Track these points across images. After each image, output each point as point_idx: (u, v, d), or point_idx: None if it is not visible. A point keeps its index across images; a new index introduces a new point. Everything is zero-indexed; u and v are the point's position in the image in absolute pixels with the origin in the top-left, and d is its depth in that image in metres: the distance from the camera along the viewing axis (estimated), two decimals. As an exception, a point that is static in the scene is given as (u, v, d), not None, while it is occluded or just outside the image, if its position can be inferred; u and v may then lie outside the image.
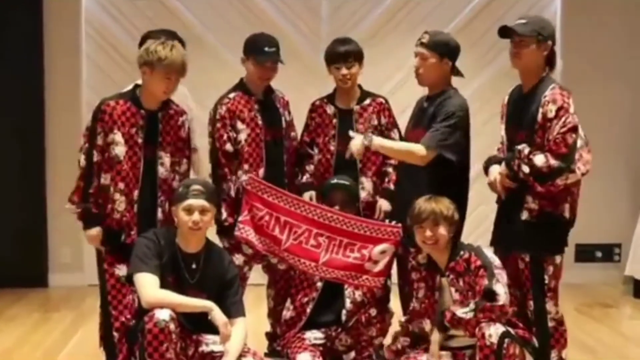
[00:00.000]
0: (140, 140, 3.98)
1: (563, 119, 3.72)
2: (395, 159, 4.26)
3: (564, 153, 3.70)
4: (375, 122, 4.52)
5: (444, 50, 4.09)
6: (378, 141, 4.04)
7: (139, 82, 4.08)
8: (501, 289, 3.67)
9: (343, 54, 4.45)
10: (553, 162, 3.70)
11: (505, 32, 3.87)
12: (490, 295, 3.65)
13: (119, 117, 3.96)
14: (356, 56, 4.48)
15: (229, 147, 4.38)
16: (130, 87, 4.17)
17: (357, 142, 4.03)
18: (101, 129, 3.96)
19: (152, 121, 4.02)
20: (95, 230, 4.00)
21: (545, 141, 3.74)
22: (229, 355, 3.66)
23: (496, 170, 3.91)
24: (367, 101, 4.56)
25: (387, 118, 4.55)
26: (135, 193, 3.99)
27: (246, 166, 4.37)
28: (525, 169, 3.75)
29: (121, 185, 3.97)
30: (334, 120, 4.54)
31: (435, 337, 3.78)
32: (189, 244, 3.81)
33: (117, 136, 3.95)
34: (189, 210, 3.74)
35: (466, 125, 4.10)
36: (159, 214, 4.03)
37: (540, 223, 3.83)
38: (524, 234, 3.86)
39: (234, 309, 3.79)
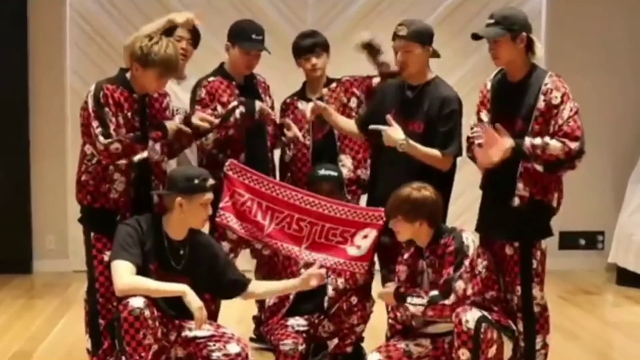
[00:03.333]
0: (137, 124, 3.94)
1: (569, 104, 3.77)
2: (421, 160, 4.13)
3: (579, 135, 3.74)
4: (345, 100, 4.56)
5: (425, 37, 4.09)
6: (413, 144, 4.01)
7: (125, 66, 4.03)
8: (461, 285, 3.71)
9: (311, 46, 4.52)
10: (574, 145, 3.73)
11: (477, 36, 3.88)
12: (447, 289, 3.71)
13: (118, 100, 3.89)
14: (323, 47, 4.54)
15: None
16: (116, 72, 4.13)
17: (394, 137, 4.00)
18: (109, 110, 3.86)
19: (141, 105, 3.99)
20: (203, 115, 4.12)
21: (552, 127, 3.76)
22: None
23: (506, 146, 3.79)
24: (334, 85, 4.61)
25: (360, 91, 4.59)
26: (133, 175, 3.95)
27: (228, 151, 4.36)
28: (537, 152, 3.72)
29: (122, 165, 3.91)
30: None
31: (389, 290, 3.86)
32: (180, 231, 3.79)
33: (120, 118, 3.90)
34: (206, 204, 3.73)
35: (461, 114, 4.15)
36: (155, 197, 3.99)
37: (529, 210, 3.85)
38: (513, 222, 3.87)
39: (241, 279, 3.85)
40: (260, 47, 4.41)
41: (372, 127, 4.09)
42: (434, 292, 3.75)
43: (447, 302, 3.70)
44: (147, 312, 3.54)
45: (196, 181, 3.71)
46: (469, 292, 3.71)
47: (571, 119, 3.74)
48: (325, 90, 4.57)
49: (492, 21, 3.86)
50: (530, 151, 3.75)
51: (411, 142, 4.00)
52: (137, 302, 3.53)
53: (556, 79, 3.83)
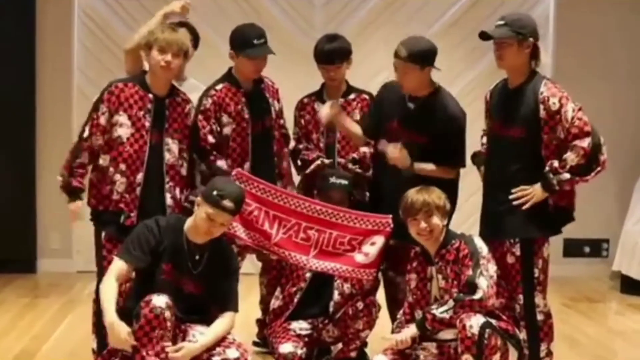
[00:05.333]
0: (147, 124, 3.99)
1: (569, 104, 3.80)
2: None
3: (589, 130, 3.78)
4: (358, 118, 4.52)
5: (424, 59, 4.07)
6: (418, 166, 4.07)
7: (146, 68, 4.10)
8: (484, 282, 3.71)
9: (329, 55, 4.46)
10: (586, 143, 3.75)
11: (485, 35, 3.89)
12: (472, 287, 3.70)
13: (127, 99, 3.97)
14: (342, 56, 4.48)
15: (210, 139, 4.33)
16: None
17: (404, 159, 4.06)
18: (106, 109, 3.96)
19: (159, 107, 4.03)
20: (74, 205, 4.04)
21: (562, 133, 3.79)
22: (200, 341, 3.67)
23: (537, 193, 3.87)
24: (352, 96, 4.58)
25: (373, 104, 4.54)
26: (139, 176, 3.99)
27: (229, 161, 4.36)
28: (566, 176, 3.78)
29: (122, 167, 3.97)
30: None
31: (411, 332, 3.82)
32: (197, 235, 3.78)
33: (122, 117, 3.95)
34: (212, 220, 3.71)
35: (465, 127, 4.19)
36: (168, 200, 4.03)
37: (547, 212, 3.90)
38: (512, 219, 3.90)
39: (230, 302, 3.81)
40: (265, 51, 4.38)
41: (379, 148, 4.19)
42: (455, 296, 3.75)
43: (475, 297, 3.69)
44: (167, 314, 3.57)
45: (215, 193, 3.69)
46: (492, 290, 3.72)
47: (576, 118, 3.78)
48: (341, 100, 4.55)
49: (502, 22, 3.89)
50: (562, 186, 3.81)
51: (416, 165, 4.06)
52: (159, 302, 3.57)
53: (551, 85, 3.86)
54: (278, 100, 4.59)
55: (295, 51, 6.41)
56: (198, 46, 4.63)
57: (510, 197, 3.89)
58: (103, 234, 4.04)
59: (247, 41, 4.35)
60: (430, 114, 4.10)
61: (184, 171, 4.08)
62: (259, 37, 4.37)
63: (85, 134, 4.00)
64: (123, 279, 3.72)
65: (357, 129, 4.37)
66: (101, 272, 4.01)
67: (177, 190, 4.05)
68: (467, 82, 6.51)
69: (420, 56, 4.05)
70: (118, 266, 3.69)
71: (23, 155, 6.74)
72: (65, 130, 6.69)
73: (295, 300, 4.34)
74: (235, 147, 4.38)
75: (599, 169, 3.82)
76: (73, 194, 4.04)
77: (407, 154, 4.06)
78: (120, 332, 3.53)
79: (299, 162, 4.61)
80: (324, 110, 4.31)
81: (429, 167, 4.09)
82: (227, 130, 4.37)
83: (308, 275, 4.32)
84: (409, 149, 4.09)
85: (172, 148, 4.04)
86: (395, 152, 4.07)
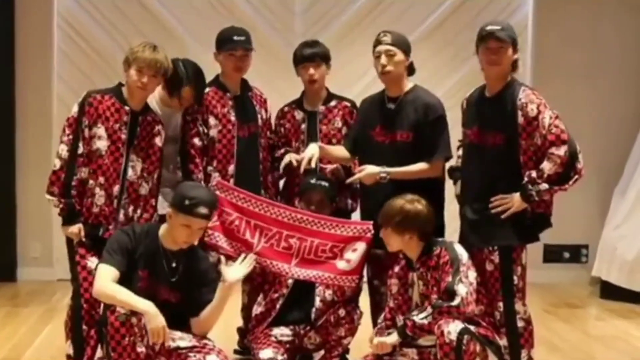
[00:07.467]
0: (123, 137, 4.00)
1: (547, 112, 3.84)
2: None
3: (566, 138, 3.81)
4: (340, 125, 4.55)
5: (406, 46, 4.19)
6: (394, 171, 4.09)
7: (123, 81, 4.10)
8: (463, 289, 3.73)
9: (310, 55, 4.50)
10: (562, 151, 3.78)
11: (486, 36, 3.90)
12: (450, 294, 3.73)
13: (104, 112, 3.98)
14: (323, 57, 4.53)
15: (196, 141, 4.38)
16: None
17: (371, 172, 4.08)
18: (87, 121, 3.97)
19: (133, 121, 4.04)
20: (77, 227, 4.00)
21: (539, 139, 3.82)
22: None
23: (516, 203, 3.88)
24: (333, 103, 4.60)
25: (353, 122, 4.56)
26: (116, 188, 4.00)
27: (215, 162, 4.38)
28: (544, 186, 3.81)
29: (101, 180, 3.98)
30: (303, 125, 4.57)
31: (392, 339, 3.84)
32: (171, 242, 3.81)
33: (100, 130, 3.97)
34: (188, 227, 3.73)
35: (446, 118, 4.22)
36: (120, 216, 4.04)
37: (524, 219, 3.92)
38: (490, 226, 3.92)
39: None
40: (243, 45, 4.42)
41: (348, 181, 4.28)
42: (434, 303, 3.77)
43: (453, 303, 3.71)
44: (133, 319, 3.58)
45: (186, 202, 3.71)
46: (472, 297, 3.74)
47: (552, 126, 3.81)
48: (322, 108, 4.58)
49: (499, 27, 3.92)
50: (541, 196, 3.84)
51: (391, 169, 4.07)
52: (123, 308, 3.57)
53: (529, 92, 3.90)
54: (266, 110, 4.61)
55: (275, 58, 6.42)
56: (204, 88, 4.45)
57: (490, 205, 3.92)
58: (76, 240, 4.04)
59: (226, 38, 4.43)
60: (409, 107, 4.15)
61: (142, 190, 4.08)
62: (238, 34, 4.45)
63: (80, 150, 3.97)
64: (115, 281, 3.69)
65: (341, 153, 4.40)
66: (75, 277, 4.04)
67: (131, 208, 4.05)
68: (450, 86, 6.54)
69: (403, 42, 4.17)
70: (106, 271, 3.67)
71: (3, 163, 6.71)
72: (45, 138, 6.68)
73: (277, 306, 4.34)
74: (221, 149, 4.41)
75: (576, 177, 3.84)
76: (76, 217, 4.00)
77: (372, 168, 4.09)
78: (158, 322, 3.57)
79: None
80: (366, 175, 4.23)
81: (405, 169, 4.09)
82: (213, 132, 4.40)
83: (290, 281, 4.32)
84: (396, 151, 4.13)
85: (135, 166, 4.05)
86: (360, 174, 4.12)
